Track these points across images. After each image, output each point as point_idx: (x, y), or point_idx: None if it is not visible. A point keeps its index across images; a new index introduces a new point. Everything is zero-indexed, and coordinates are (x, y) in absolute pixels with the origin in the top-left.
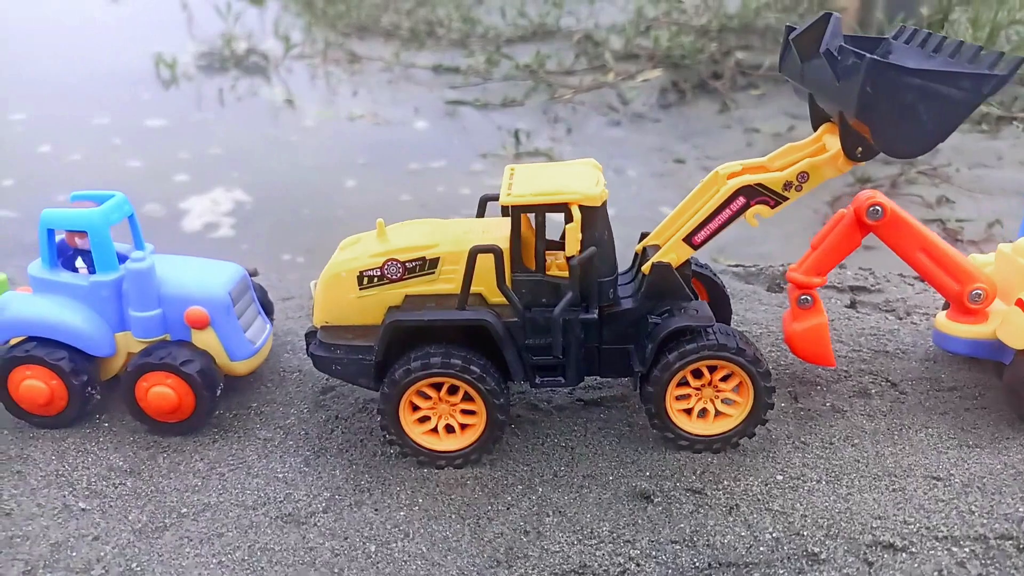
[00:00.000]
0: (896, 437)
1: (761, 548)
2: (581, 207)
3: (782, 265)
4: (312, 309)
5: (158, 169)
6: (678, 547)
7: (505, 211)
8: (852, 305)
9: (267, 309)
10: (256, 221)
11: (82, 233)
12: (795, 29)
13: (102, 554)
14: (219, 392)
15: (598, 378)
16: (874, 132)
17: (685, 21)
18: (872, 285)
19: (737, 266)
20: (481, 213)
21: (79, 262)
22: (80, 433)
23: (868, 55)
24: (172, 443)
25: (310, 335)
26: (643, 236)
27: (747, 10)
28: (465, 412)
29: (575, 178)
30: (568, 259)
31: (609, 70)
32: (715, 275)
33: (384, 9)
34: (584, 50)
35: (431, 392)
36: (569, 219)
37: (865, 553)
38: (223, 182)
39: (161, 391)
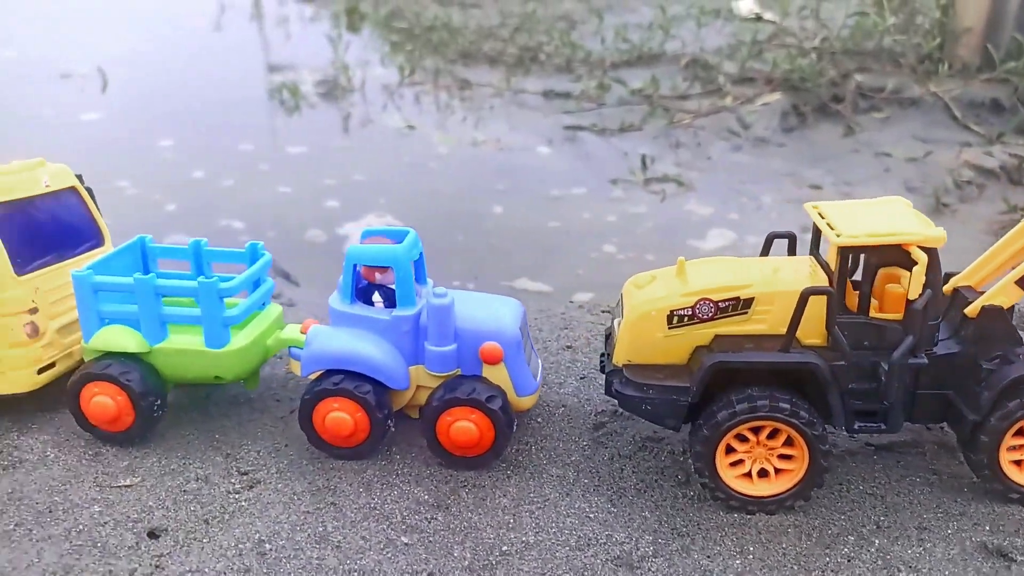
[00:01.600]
0: None
1: None
2: (923, 248)
3: None
4: (612, 348)
5: (308, 195)
6: None
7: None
8: None
9: None
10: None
11: (383, 268)
12: None
13: None
14: (515, 428)
15: None
16: None
17: (797, 43)
18: None
19: None
20: (766, 251)
21: (376, 296)
22: (377, 466)
23: None
24: (468, 478)
25: (612, 374)
26: (947, 277)
27: (859, 31)
28: (781, 456)
29: (905, 217)
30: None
31: (726, 94)
32: None
33: (486, 36)
34: (695, 74)
35: (749, 435)
36: (906, 261)
37: None
38: (372, 208)
39: (464, 426)
